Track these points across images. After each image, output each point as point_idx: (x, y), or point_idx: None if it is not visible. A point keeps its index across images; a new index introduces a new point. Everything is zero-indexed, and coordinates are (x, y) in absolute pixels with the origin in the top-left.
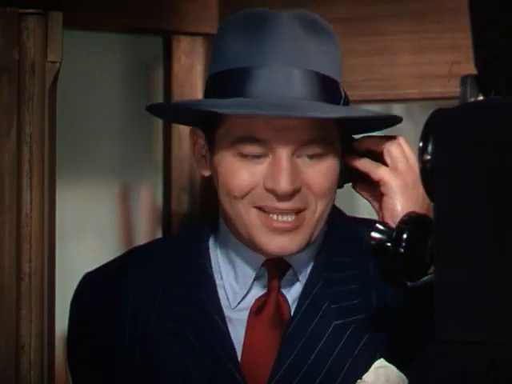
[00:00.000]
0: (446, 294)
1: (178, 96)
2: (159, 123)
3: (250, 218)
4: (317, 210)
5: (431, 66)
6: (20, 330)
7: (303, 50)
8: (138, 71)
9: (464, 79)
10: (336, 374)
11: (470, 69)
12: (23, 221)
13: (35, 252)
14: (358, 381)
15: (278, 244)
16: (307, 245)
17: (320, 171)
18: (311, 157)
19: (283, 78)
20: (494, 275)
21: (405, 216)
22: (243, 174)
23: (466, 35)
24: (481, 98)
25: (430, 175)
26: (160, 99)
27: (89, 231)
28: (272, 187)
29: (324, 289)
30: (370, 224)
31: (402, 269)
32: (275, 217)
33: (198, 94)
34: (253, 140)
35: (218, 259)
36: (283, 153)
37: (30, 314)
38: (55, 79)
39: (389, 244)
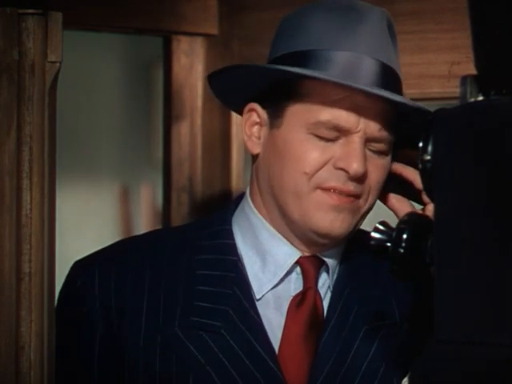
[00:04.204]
0: (446, 294)
1: (178, 96)
2: (159, 123)
3: (311, 196)
4: (367, 200)
5: (431, 66)
6: (20, 330)
7: (388, 47)
8: (138, 71)
9: (464, 79)
10: (372, 378)
11: (470, 69)
12: (23, 221)
13: (35, 252)
14: (403, 381)
15: (332, 220)
16: (350, 233)
17: (380, 165)
18: (375, 152)
19: (369, 67)
20: (493, 275)
21: (405, 216)
22: (316, 152)
23: (466, 35)
24: (481, 97)
25: (429, 175)
26: (160, 99)
27: (89, 231)
28: (344, 167)
29: (353, 292)
30: None
31: (402, 269)
32: (335, 195)
33: (198, 93)
34: (334, 126)
35: (242, 252)
36: (358, 138)
37: (30, 314)
38: (55, 79)
39: (389, 244)
